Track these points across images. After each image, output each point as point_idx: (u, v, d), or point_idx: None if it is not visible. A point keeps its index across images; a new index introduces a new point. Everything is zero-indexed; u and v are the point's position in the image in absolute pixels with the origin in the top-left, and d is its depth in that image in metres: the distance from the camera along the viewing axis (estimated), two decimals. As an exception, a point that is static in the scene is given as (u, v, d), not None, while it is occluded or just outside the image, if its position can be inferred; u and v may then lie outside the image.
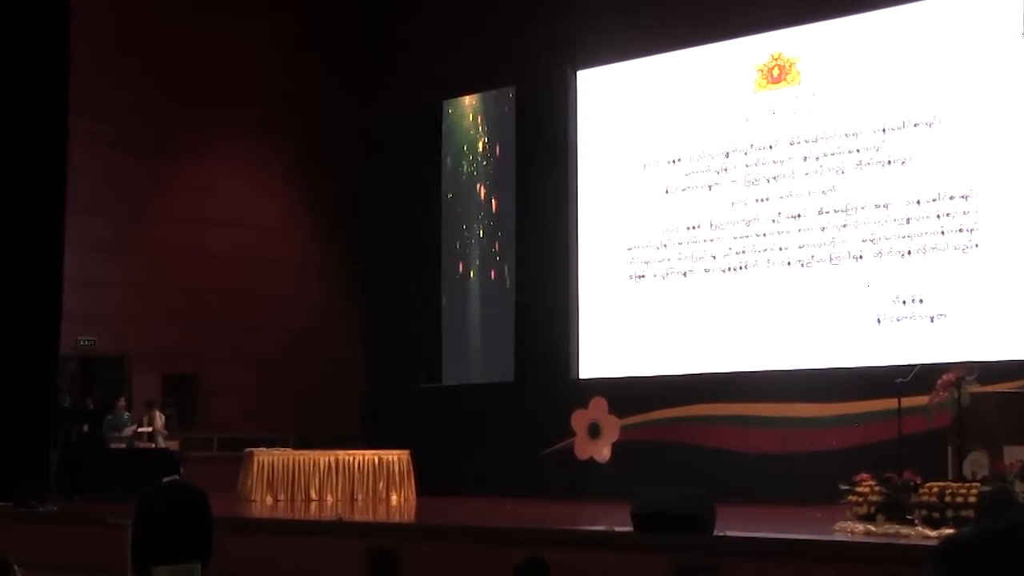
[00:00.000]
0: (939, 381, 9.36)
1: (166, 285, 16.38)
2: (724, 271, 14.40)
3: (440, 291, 17.34)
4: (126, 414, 15.01)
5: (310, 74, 17.90)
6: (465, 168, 17.41)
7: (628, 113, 15.45)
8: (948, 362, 10.39)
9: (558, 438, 15.24)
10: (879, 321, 13.25)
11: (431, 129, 17.61)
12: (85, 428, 14.76)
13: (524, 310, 16.21)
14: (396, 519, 12.92)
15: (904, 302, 13.10)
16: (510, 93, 16.82)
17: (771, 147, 14.18)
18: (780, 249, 14.03)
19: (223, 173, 17.23)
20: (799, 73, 14.08)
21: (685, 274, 14.72)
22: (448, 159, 17.57)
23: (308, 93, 17.85)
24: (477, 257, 17.12)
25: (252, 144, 17.48)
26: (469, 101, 17.43)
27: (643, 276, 15.08)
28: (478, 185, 17.26)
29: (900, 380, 9.54)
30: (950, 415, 9.34)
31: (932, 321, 12.88)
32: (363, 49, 18.27)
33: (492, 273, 16.92)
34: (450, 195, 17.53)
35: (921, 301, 12.96)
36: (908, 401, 9.70)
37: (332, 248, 18.03)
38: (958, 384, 9.23)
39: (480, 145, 17.28)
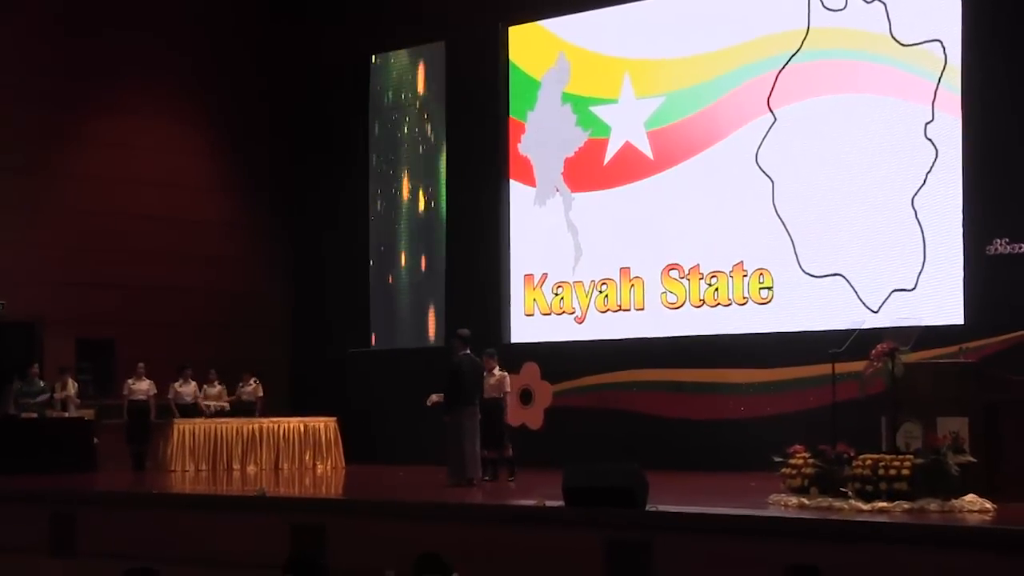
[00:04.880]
0: (872, 352, 9.26)
1: (80, 246, 15.82)
2: (661, 223, 14.21)
3: (369, 254, 16.97)
4: (40, 381, 14.46)
5: (236, 26, 17.30)
6: (394, 123, 16.98)
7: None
8: (883, 327, 10.31)
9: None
10: (812, 286, 13.15)
11: (359, 85, 17.14)
12: None
13: (455, 274, 15.94)
14: (323, 491, 12.62)
15: (838, 266, 13.01)
16: (440, 48, 16.38)
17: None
18: (716, 208, 13.85)
19: (141, 128, 16.63)
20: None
21: (622, 233, 14.50)
22: (377, 115, 17.13)
23: (233, 46, 17.26)
24: (407, 219, 16.74)
25: (172, 98, 16.90)
26: (398, 56, 16.96)
27: (580, 235, 14.83)
28: (407, 142, 16.84)
29: (834, 351, 9.40)
30: (884, 385, 9.25)
31: (864, 285, 12.80)
32: (290, 2, 17.65)
33: (423, 235, 16.57)
34: (378, 153, 17.10)
35: (855, 266, 12.88)
36: (843, 366, 9.57)
37: (257, 208, 17.57)
38: (892, 355, 9.13)
39: (409, 101, 16.84)
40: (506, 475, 12.15)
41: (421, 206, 16.62)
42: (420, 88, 16.70)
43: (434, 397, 12.05)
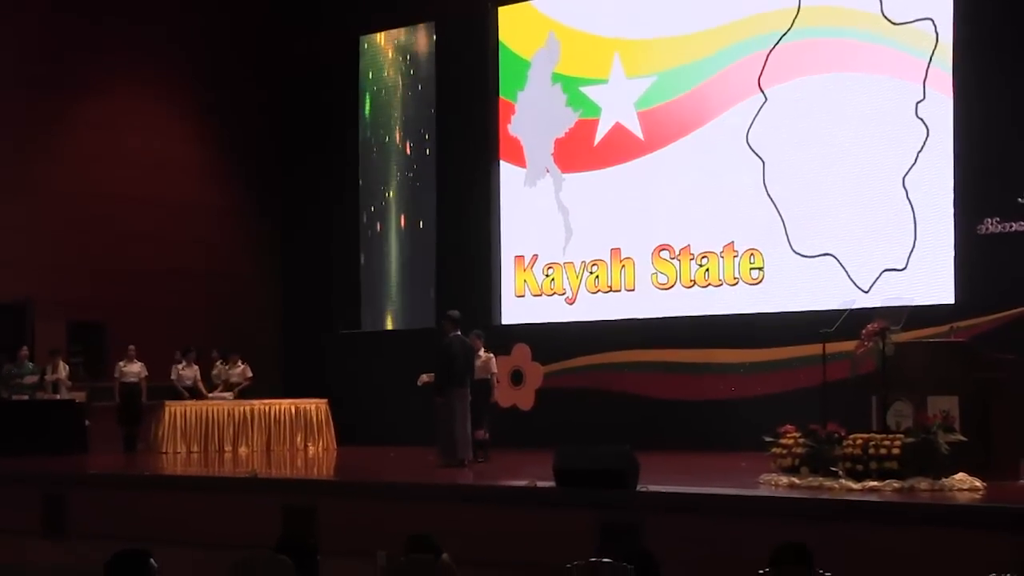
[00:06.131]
0: (863, 331, 9.26)
1: (71, 228, 15.76)
2: (652, 204, 14.16)
3: (359, 236, 16.93)
4: (29, 364, 14.43)
5: (225, 7, 17.15)
6: (383, 106, 16.92)
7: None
8: (874, 306, 10.31)
9: (481, 384, 15.04)
10: (803, 266, 13.15)
11: (349, 67, 17.06)
12: None
13: (445, 255, 15.92)
14: (314, 472, 12.63)
15: (829, 246, 13.01)
16: (430, 29, 16.31)
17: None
18: (707, 188, 13.82)
19: (130, 111, 16.56)
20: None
21: (613, 214, 14.47)
22: (366, 97, 17.06)
23: (223, 27, 17.16)
24: (397, 200, 16.70)
25: (162, 80, 16.83)
26: (388, 37, 16.87)
27: (570, 216, 14.78)
28: (397, 124, 16.80)
29: (824, 331, 9.40)
30: (874, 364, 9.25)
31: (855, 265, 12.80)
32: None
33: (413, 217, 16.53)
34: (368, 135, 17.04)
35: (845, 246, 12.88)
36: (833, 346, 9.57)
37: (246, 190, 17.53)
38: (882, 334, 9.13)
39: (399, 83, 16.78)
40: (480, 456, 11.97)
41: (411, 188, 16.57)
42: (410, 69, 16.62)
43: (424, 377, 12.03)
